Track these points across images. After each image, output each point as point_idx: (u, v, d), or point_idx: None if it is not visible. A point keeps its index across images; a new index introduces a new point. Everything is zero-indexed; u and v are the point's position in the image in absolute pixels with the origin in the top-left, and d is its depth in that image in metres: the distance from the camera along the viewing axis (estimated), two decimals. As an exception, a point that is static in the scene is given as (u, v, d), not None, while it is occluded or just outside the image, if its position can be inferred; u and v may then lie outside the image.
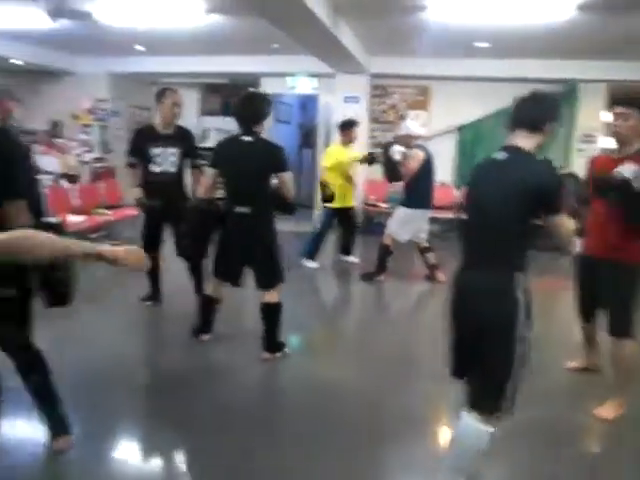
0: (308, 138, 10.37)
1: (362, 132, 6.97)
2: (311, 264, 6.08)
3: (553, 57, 7.21)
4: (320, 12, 4.63)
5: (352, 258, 6.33)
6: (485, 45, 6.74)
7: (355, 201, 6.31)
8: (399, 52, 7.52)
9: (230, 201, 3.46)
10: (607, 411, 2.97)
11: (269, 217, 3.50)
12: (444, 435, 2.83)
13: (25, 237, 1.66)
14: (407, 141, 5.30)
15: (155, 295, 4.57)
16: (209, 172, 3.53)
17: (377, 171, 6.05)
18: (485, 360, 2.03)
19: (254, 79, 8.81)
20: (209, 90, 10.04)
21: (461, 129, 8.41)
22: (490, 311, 2.02)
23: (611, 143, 3.04)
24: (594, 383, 3.33)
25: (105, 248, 1.77)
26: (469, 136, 8.33)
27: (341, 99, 8.21)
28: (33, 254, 1.65)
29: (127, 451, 2.68)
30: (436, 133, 8.16)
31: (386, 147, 5.42)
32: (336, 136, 6.60)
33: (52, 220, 2.32)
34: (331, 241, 6.45)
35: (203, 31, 6.52)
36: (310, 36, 5.46)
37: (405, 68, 8.02)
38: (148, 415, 3.00)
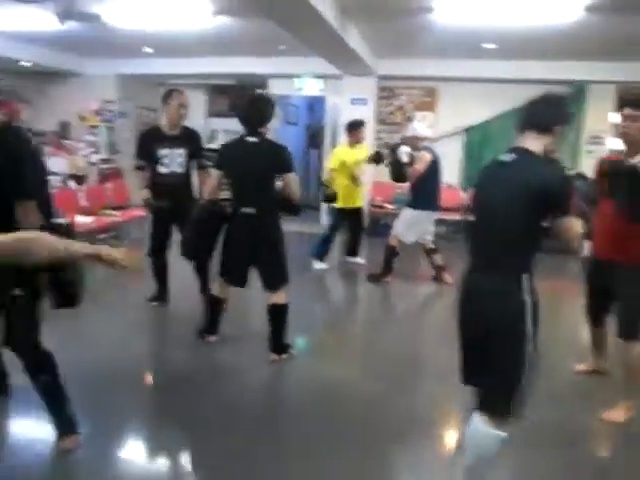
0: (315, 139, 10.39)
1: (369, 134, 6.97)
2: (320, 265, 6.08)
3: (561, 58, 7.18)
4: (327, 14, 4.64)
5: (358, 259, 6.33)
6: (492, 46, 6.72)
7: (362, 202, 6.32)
8: (406, 54, 7.52)
9: (236, 202, 3.47)
10: (617, 414, 2.95)
11: (275, 218, 3.51)
12: (450, 436, 2.83)
13: (25, 239, 1.68)
14: (414, 143, 5.30)
15: (162, 295, 4.59)
16: (214, 173, 3.55)
17: (384, 172, 6.04)
18: (494, 363, 2.02)
19: (261, 80, 8.83)
20: (216, 91, 10.08)
21: (468, 130, 8.39)
22: (497, 313, 2.02)
23: (619, 144, 3.03)
24: (603, 386, 3.31)
25: (104, 250, 1.80)
26: (476, 138, 8.32)
27: (348, 101, 8.21)
28: (32, 256, 1.67)
29: (133, 450, 2.69)
30: (443, 134, 8.15)
31: (393, 148, 5.42)
32: (343, 137, 6.62)
33: (61, 221, 2.34)
34: (337, 242, 6.44)
35: (210, 33, 6.54)
36: (317, 38, 5.47)
37: (412, 70, 8.02)
38: (154, 415, 3.01)
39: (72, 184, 7.19)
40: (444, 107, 8.46)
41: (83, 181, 7.58)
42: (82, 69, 9.05)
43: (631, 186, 2.72)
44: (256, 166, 3.39)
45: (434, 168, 5.28)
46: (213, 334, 3.81)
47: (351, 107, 8.06)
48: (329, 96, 8.95)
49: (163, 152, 4.24)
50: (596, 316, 3.27)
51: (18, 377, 2.65)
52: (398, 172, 5.36)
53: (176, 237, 4.34)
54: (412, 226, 5.40)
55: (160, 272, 4.53)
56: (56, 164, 7.03)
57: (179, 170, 4.28)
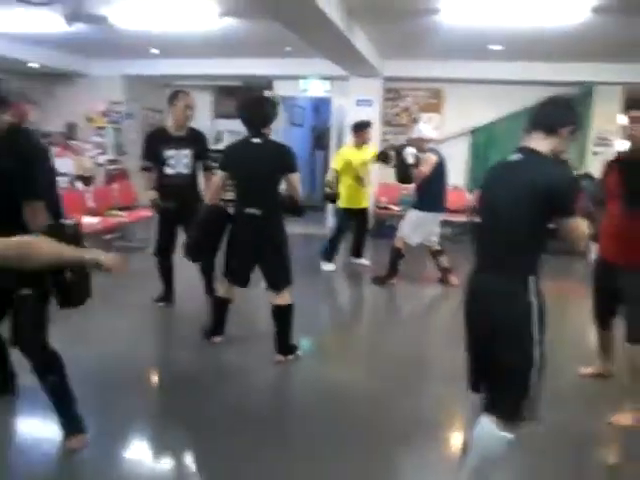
0: (321, 140, 10.41)
1: (374, 135, 6.96)
2: (328, 267, 6.08)
3: (567, 60, 7.16)
4: (334, 15, 4.64)
5: (363, 261, 6.33)
6: (499, 48, 6.71)
7: (368, 203, 6.32)
8: (412, 55, 7.51)
9: (240, 203, 3.49)
10: (624, 417, 2.93)
11: (279, 218, 3.52)
12: (456, 438, 2.82)
13: (24, 245, 1.73)
14: (420, 144, 5.30)
15: (168, 296, 4.61)
16: (218, 175, 3.56)
17: (389, 174, 6.04)
18: (501, 364, 2.01)
19: (267, 82, 8.84)
20: (222, 93, 10.09)
21: (474, 132, 8.37)
22: (503, 314, 2.01)
23: (627, 146, 3.02)
24: (609, 389, 3.29)
25: (86, 255, 1.97)
26: (482, 139, 8.30)
27: (354, 102, 8.21)
28: (32, 262, 1.74)
29: (139, 451, 2.70)
30: (449, 136, 8.14)
31: (399, 150, 5.42)
32: (349, 138, 6.62)
33: (69, 222, 2.35)
34: (343, 244, 6.43)
35: (217, 34, 6.56)
36: (324, 39, 5.47)
37: (418, 71, 8.01)
38: (160, 415, 3.02)
39: (79, 185, 7.22)
40: (450, 108, 8.45)
41: (90, 182, 7.61)
42: (89, 70, 9.09)
43: None
44: (260, 167, 3.40)
45: (440, 170, 5.28)
46: (219, 335, 3.82)
47: (357, 108, 8.06)
48: (335, 97, 8.95)
49: (169, 153, 4.25)
50: (603, 319, 3.25)
51: (25, 377, 2.67)
52: (404, 174, 5.36)
53: (182, 238, 4.37)
54: (418, 228, 5.39)
55: (166, 273, 4.55)
56: (63, 165, 7.05)
57: (185, 171, 4.30)
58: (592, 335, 3.47)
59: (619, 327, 3.08)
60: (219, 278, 3.82)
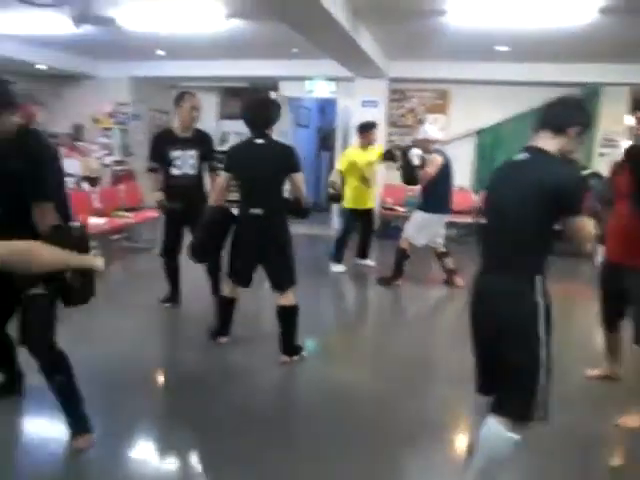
0: (326, 141, 10.42)
1: (380, 136, 6.97)
2: (337, 268, 6.08)
3: (574, 61, 7.14)
4: (340, 17, 4.65)
5: (368, 262, 6.33)
6: (505, 49, 6.70)
7: (374, 203, 6.31)
8: (418, 56, 7.51)
9: (244, 203, 3.50)
10: (631, 419, 2.92)
11: (283, 219, 3.53)
12: (462, 440, 2.82)
13: (24, 252, 1.77)
14: (425, 145, 5.29)
15: (174, 297, 4.62)
16: (222, 176, 3.58)
17: (395, 175, 6.03)
18: (508, 365, 2.01)
19: (273, 83, 8.86)
20: (229, 94, 10.12)
21: (480, 133, 8.36)
22: (509, 314, 2.01)
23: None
24: (616, 392, 3.27)
25: (90, 262, 2.10)
26: (488, 140, 8.28)
27: (359, 103, 8.21)
28: (32, 269, 1.78)
29: (145, 451, 2.71)
30: (455, 137, 8.12)
31: (404, 151, 5.42)
32: (354, 139, 6.62)
33: (76, 225, 2.35)
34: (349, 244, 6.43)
35: (223, 36, 6.57)
36: (330, 40, 5.48)
37: (424, 72, 8.00)
38: (165, 415, 3.03)
39: (85, 186, 7.25)
40: (456, 109, 8.44)
41: (96, 183, 7.64)
42: (96, 72, 9.14)
43: None
44: (264, 167, 3.42)
45: (445, 171, 5.27)
46: (224, 335, 3.83)
47: (362, 109, 8.06)
48: (340, 98, 8.96)
49: (175, 154, 4.27)
50: (611, 321, 3.24)
51: (32, 377, 2.69)
52: (409, 175, 5.35)
53: (188, 238, 4.38)
54: (423, 229, 5.38)
55: (172, 273, 4.56)
56: (70, 166, 7.07)
57: (191, 172, 4.32)
58: (599, 337, 3.46)
59: (626, 329, 3.07)
60: (224, 278, 3.83)
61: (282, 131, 8.72)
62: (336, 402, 3.15)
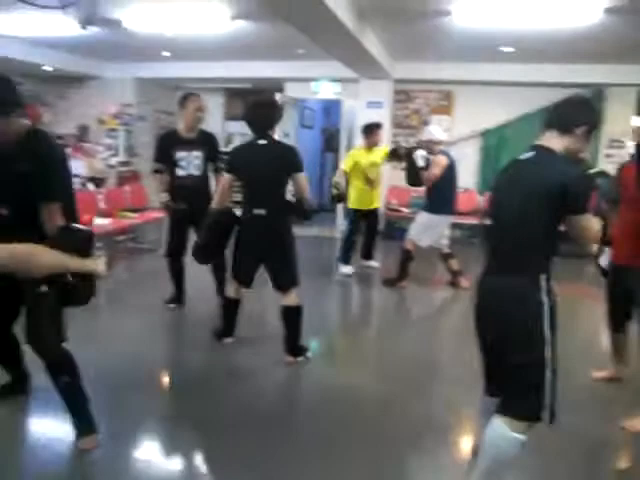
0: (331, 142, 10.42)
1: (385, 137, 6.96)
2: (346, 269, 6.06)
3: (579, 61, 7.12)
4: (345, 18, 4.65)
5: (373, 263, 6.32)
6: (510, 50, 6.69)
7: (379, 204, 6.30)
8: (423, 57, 7.51)
9: (247, 204, 3.51)
10: (638, 422, 2.89)
11: (285, 219, 3.54)
12: (467, 440, 2.81)
13: (24, 256, 1.79)
14: (430, 146, 5.29)
15: (179, 298, 4.63)
16: (225, 177, 3.59)
17: (400, 176, 6.03)
18: (513, 364, 2.00)
19: (278, 84, 8.87)
20: (233, 95, 10.14)
21: (485, 134, 8.35)
22: (514, 313, 2.00)
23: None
24: (623, 393, 3.26)
25: (91, 266, 2.13)
26: (493, 141, 8.27)
27: (364, 104, 8.21)
28: (32, 273, 1.79)
29: (149, 451, 2.71)
30: (459, 138, 8.12)
31: (409, 152, 5.41)
32: (359, 140, 6.61)
33: (82, 228, 2.36)
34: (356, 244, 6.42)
35: (228, 37, 6.59)
36: (334, 41, 5.48)
37: (428, 73, 8.00)
38: (170, 416, 3.03)
39: (91, 186, 7.28)
40: (460, 110, 8.43)
41: (102, 183, 7.67)
42: (101, 73, 9.18)
43: None
44: (267, 168, 3.43)
45: (450, 172, 5.26)
46: (229, 336, 3.83)
47: (367, 110, 8.06)
48: (345, 99, 8.96)
49: (180, 155, 4.29)
50: (617, 322, 3.22)
51: (38, 377, 2.70)
52: (414, 176, 5.35)
53: (193, 239, 4.39)
54: (428, 230, 5.37)
55: (177, 274, 4.57)
56: (75, 167, 7.11)
57: (196, 173, 4.33)
58: (605, 338, 3.44)
59: (633, 330, 3.06)
60: (229, 279, 3.84)
61: (287, 132, 8.73)
62: (341, 403, 3.15)
